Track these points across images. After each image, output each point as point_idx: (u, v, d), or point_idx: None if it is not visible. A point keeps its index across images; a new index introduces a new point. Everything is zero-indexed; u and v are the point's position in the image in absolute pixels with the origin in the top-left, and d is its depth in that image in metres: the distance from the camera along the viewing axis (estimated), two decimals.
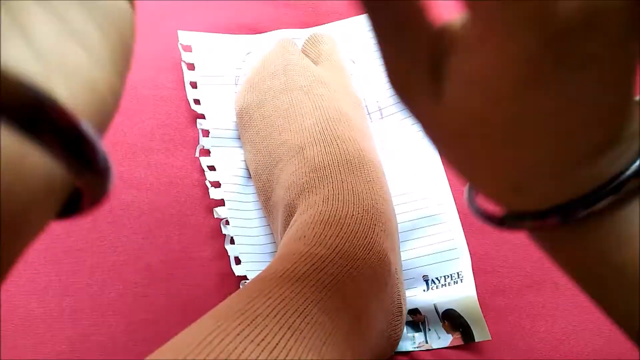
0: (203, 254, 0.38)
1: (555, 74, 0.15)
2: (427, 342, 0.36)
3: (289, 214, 0.32)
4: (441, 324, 0.36)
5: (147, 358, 0.20)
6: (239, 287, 0.36)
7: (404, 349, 0.36)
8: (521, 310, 0.37)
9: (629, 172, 0.16)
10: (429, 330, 0.36)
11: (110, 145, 0.41)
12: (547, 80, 0.15)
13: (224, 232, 0.37)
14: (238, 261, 0.37)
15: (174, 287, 0.37)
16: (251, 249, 0.37)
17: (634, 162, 0.16)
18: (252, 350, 0.20)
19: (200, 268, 0.38)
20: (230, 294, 0.37)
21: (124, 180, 0.40)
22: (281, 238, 0.33)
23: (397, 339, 0.32)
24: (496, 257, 0.38)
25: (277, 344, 0.21)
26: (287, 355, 0.21)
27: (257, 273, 0.37)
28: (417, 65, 0.17)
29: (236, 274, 0.36)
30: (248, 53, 0.42)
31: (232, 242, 0.37)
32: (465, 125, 0.17)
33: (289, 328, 0.22)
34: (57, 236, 0.39)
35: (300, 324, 0.22)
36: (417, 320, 0.36)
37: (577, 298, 0.37)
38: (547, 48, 0.14)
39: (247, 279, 0.36)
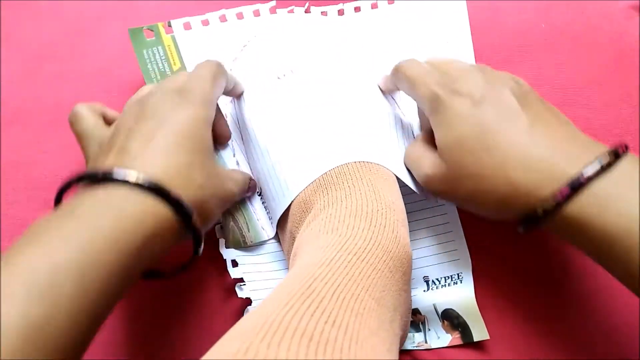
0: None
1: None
2: (426, 342, 0.36)
3: (304, 209, 0.32)
4: (440, 323, 0.36)
5: (229, 332, 0.21)
6: (234, 290, 0.36)
7: (403, 348, 0.36)
8: (520, 310, 0.37)
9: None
10: (429, 330, 0.36)
11: None
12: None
13: (218, 237, 0.37)
14: (235, 264, 0.37)
15: (172, 286, 0.37)
16: (245, 252, 0.38)
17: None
18: (329, 331, 0.20)
19: (197, 270, 0.38)
20: (227, 296, 0.37)
21: None
22: (290, 234, 0.33)
23: (406, 335, 0.33)
24: (495, 257, 0.38)
25: (347, 325, 0.21)
26: (357, 337, 0.21)
27: (254, 275, 0.37)
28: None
29: (232, 276, 0.36)
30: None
31: (227, 246, 0.37)
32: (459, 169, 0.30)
33: (351, 311, 0.22)
34: None
35: (358, 308, 0.23)
36: (416, 320, 0.37)
37: (576, 298, 0.37)
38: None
39: (244, 282, 0.36)
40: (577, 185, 0.26)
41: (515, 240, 0.38)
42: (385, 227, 0.29)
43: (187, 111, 0.30)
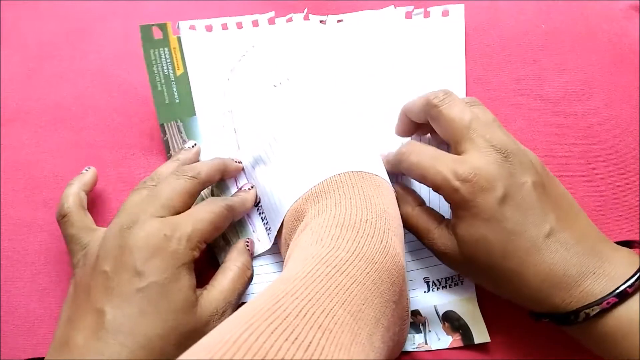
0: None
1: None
2: (426, 344, 0.36)
3: (296, 218, 0.32)
4: (441, 325, 0.36)
5: (181, 357, 0.20)
6: None
7: (403, 349, 0.36)
8: (520, 312, 0.36)
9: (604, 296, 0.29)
10: (429, 331, 0.36)
11: (110, 146, 0.41)
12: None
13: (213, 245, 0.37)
14: None
15: None
16: None
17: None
18: (288, 349, 0.20)
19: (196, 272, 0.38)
20: None
21: (124, 181, 0.40)
22: (285, 242, 0.33)
23: (403, 342, 0.32)
24: None
25: (310, 342, 0.21)
26: (320, 354, 0.21)
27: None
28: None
29: None
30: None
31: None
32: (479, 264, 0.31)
33: (319, 327, 0.22)
34: (57, 237, 0.39)
35: (329, 324, 0.22)
36: (417, 321, 0.36)
37: None
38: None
39: None
40: (623, 296, 0.28)
41: None
42: (372, 237, 0.28)
43: (164, 261, 0.30)
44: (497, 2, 0.43)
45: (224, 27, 0.42)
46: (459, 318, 0.36)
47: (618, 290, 0.28)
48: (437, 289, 0.37)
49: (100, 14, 0.44)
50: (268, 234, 0.37)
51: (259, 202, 0.38)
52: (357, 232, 0.28)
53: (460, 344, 0.36)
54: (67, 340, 0.30)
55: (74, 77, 0.43)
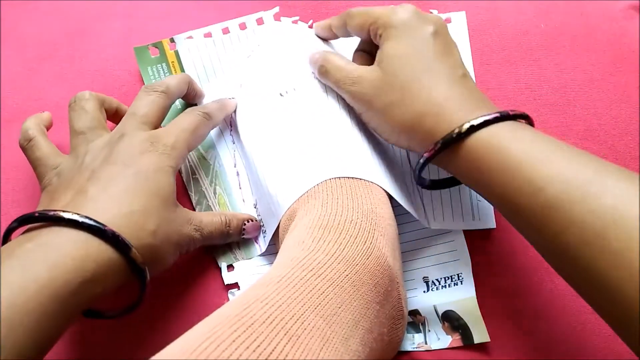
0: (197, 260, 0.38)
1: None
2: (426, 343, 0.36)
3: (288, 217, 0.32)
4: (441, 325, 0.36)
5: (157, 354, 0.20)
6: (227, 296, 0.37)
7: (402, 349, 0.36)
8: (520, 312, 0.37)
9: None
10: (429, 331, 0.36)
11: None
12: None
13: (207, 252, 0.38)
14: (231, 268, 0.37)
15: (168, 286, 0.37)
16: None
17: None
18: (248, 357, 0.20)
19: (197, 271, 0.38)
20: (215, 302, 0.37)
21: None
22: (280, 242, 0.33)
23: (398, 341, 0.32)
24: (496, 258, 0.38)
25: (273, 349, 0.21)
26: None
27: (252, 278, 0.37)
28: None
29: (225, 282, 0.37)
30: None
31: (218, 261, 0.37)
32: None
33: (285, 334, 0.22)
34: None
35: (297, 330, 0.22)
36: (417, 321, 0.37)
37: (576, 299, 0.36)
38: None
39: (238, 287, 0.37)
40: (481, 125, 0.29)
41: (515, 241, 0.38)
42: (356, 238, 0.28)
43: (151, 158, 0.32)
44: (497, 2, 0.43)
45: (225, 31, 0.42)
46: (458, 318, 0.36)
47: (474, 122, 0.29)
48: (437, 289, 0.37)
49: (100, 14, 0.44)
50: (263, 237, 0.37)
51: (256, 204, 0.38)
52: (340, 233, 0.28)
53: (460, 343, 0.36)
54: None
55: (74, 77, 0.43)
